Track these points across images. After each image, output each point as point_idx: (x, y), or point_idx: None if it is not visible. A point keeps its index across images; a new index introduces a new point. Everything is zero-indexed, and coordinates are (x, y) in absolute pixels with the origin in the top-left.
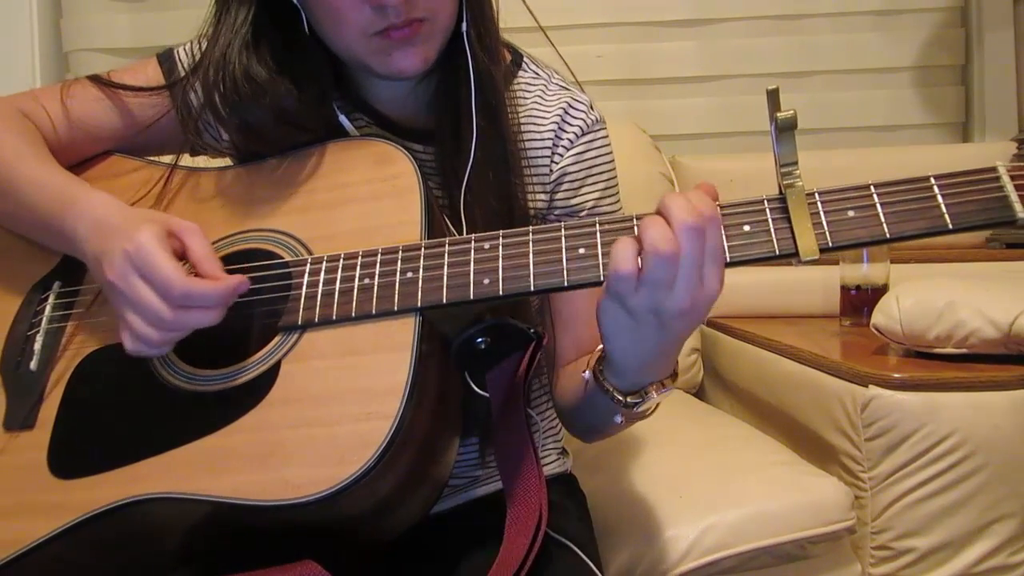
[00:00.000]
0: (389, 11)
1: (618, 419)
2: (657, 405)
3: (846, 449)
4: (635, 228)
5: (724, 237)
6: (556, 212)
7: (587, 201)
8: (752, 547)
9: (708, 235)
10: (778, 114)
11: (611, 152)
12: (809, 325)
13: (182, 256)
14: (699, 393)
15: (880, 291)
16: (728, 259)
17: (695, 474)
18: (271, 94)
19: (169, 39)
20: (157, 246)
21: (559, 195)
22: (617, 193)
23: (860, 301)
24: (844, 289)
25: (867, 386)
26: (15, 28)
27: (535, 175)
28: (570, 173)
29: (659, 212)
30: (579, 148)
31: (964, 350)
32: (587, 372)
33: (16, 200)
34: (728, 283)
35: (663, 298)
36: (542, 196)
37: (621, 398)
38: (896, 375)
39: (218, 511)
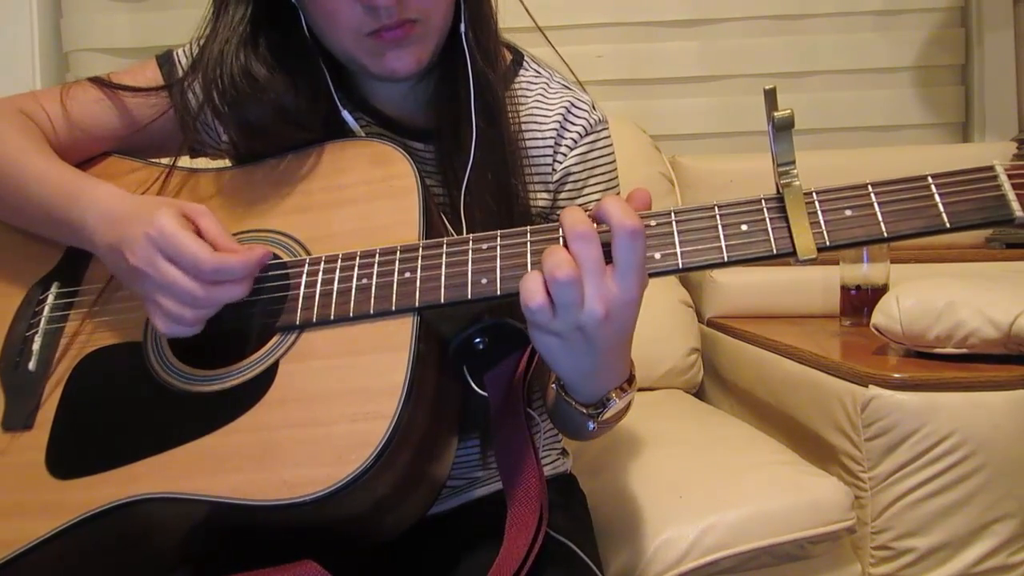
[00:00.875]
0: (381, 12)
1: (591, 426)
2: (627, 408)
3: (846, 449)
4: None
5: (715, 239)
6: (559, 212)
7: (590, 202)
8: (752, 547)
9: (616, 246)
10: (775, 113)
11: (613, 152)
12: (809, 325)
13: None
14: (699, 393)
15: (880, 291)
16: (726, 259)
17: (695, 474)
18: (269, 91)
19: (169, 39)
20: (179, 227)
21: (562, 195)
22: (619, 193)
23: (860, 301)
24: (844, 289)
25: (867, 386)
26: (15, 28)
27: (537, 174)
28: (573, 173)
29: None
30: (582, 148)
31: (964, 350)
32: (553, 386)
33: (22, 195)
34: (728, 283)
35: (578, 315)
36: (544, 196)
37: (584, 410)
38: (896, 375)
39: (216, 511)
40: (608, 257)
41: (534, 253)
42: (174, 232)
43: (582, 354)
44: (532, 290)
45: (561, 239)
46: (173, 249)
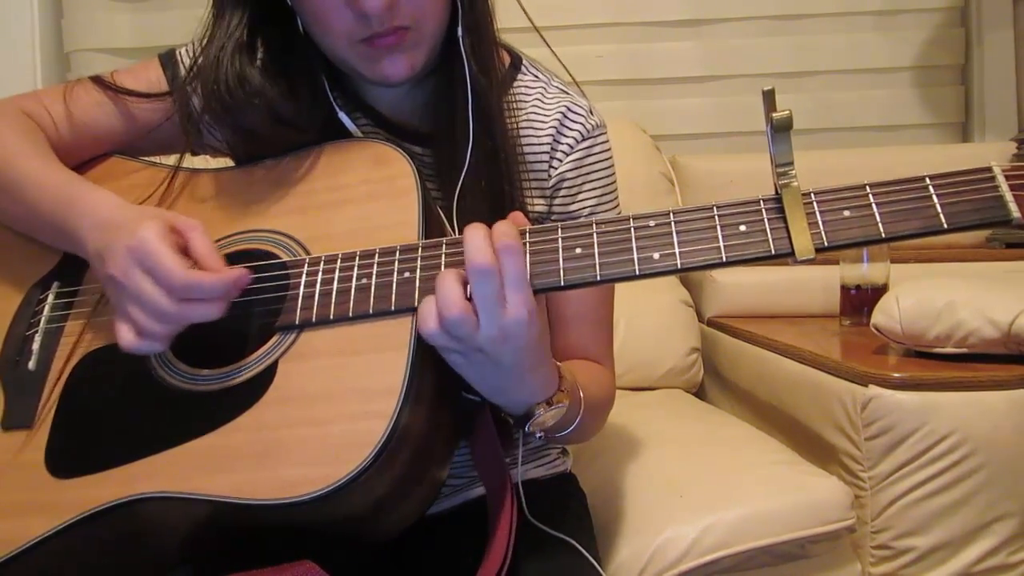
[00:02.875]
0: (372, 19)
1: (539, 435)
2: (580, 418)
3: (846, 448)
4: (631, 229)
5: (713, 240)
6: (554, 217)
7: (584, 207)
8: (752, 546)
9: (504, 263)
10: (774, 114)
11: (611, 157)
12: (809, 325)
13: (184, 252)
14: (699, 392)
15: (880, 291)
16: (724, 259)
17: (695, 473)
18: (264, 97)
19: (170, 39)
20: (158, 240)
21: (557, 200)
22: (615, 199)
23: (860, 301)
24: (844, 289)
25: (867, 386)
26: (16, 28)
27: (534, 179)
28: (568, 179)
29: None
30: (578, 154)
31: (964, 350)
32: None
33: (18, 198)
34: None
35: (475, 338)
36: (540, 201)
37: (512, 420)
38: (896, 375)
39: (215, 510)
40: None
41: (532, 254)
42: (152, 245)
43: (488, 372)
44: (425, 318)
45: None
46: (149, 262)
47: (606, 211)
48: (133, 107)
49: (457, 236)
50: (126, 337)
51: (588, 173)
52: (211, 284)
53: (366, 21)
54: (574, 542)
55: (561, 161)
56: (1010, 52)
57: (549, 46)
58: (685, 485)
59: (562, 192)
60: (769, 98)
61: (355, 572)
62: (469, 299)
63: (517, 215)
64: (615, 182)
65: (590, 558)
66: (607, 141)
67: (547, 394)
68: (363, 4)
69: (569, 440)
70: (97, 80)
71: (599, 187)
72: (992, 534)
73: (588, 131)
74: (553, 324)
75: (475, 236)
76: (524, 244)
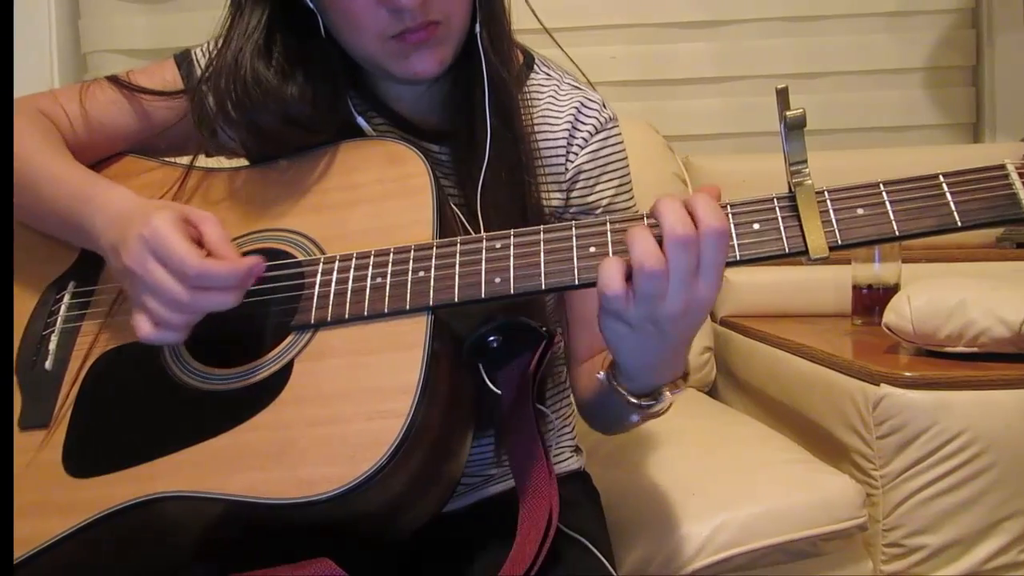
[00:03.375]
0: (405, 14)
1: (634, 418)
2: (670, 405)
3: (858, 447)
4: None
5: (731, 242)
6: (572, 210)
7: (603, 198)
8: (764, 544)
9: (707, 244)
10: (787, 113)
11: (624, 149)
12: (821, 324)
13: (199, 243)
14: (712, 392)
15: (892, 290)
16: (739, 257)
17: (708, 472)
18: (282, 99)
19: (186, 40)
20: (172, 229)
21: (574, 193)
22: (631, 190)
23: (872, 300)
24: (856, 288)
25: (879, 384)
26: (34, 29)
27: (550, 174)
28: (585, 171)
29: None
30: (594, 146)
31: (975, 349)
32: (602, 373)
33: (35, 195)
34: (741, 282)
35: (657, 308)
36: (557, 195)
37: (635, 400)
38: (907, 374)
39: (232, 509)
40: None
41: (547, 253)
42: (166, 234)
43: (649, 346)
44: (611, 276)
45: (576, 243)
46: (163, 251)
47: (624, 201)
48: (148, 106)
49: (472, 235)
50: (143, 327)
51: (605, 164)
52: (225, 272)
53: (399, 16)
54: (587, 542)
55: (577, 154)
56: (1021, 53)
57: (561, 48)
58: (698, 483)
59: (579, 184)
60: (783, 96)
61: (371, 570)
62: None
63: (713, 188)
64: (630, 173)
65: (602, 559)
66: (620, 133)
67: (676, 376)
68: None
69: (632, 427)
70: (113, 79)
71: (616, 178)
72: (1003, 532)
73: (603, 123)
74: (575, 323)
75: (675, 207)
76: (539, 241)
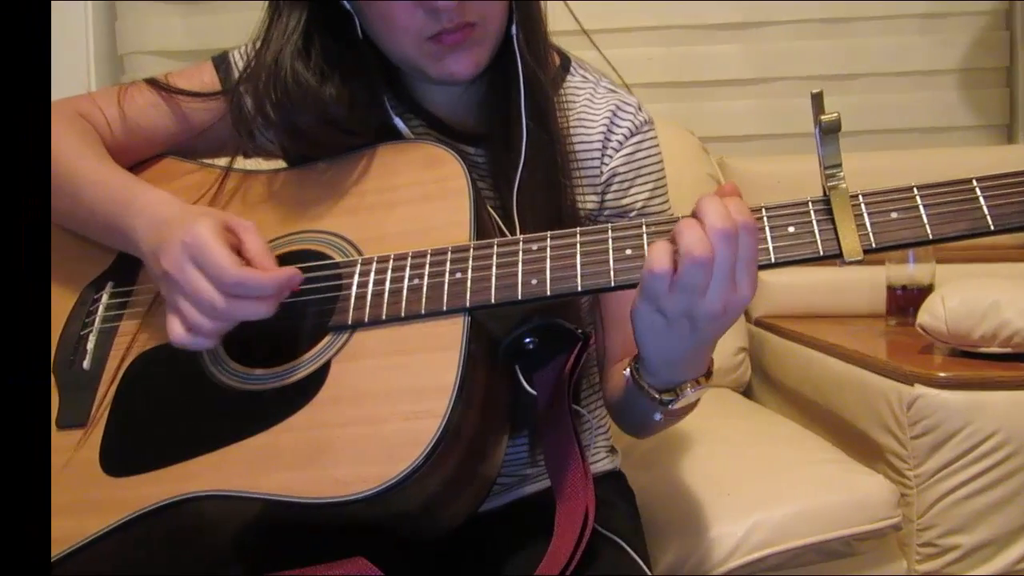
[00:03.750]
0: (442, 16)
1: (657, 416)
2: (696, 402)
3: (892, 447)
4: None
5: (762, 241)
6: (606, 213)
7: (637, 201)
8: (799, 544)
9: (741, 241)
10: (822, 117)
11: (659, 152)
12: (855, 324)
13: (238, 251)
14: (747, 392)
15: (926, 291)
16: (773, 260)
17: (743, 472)
18: (321, 100)
19: (223, 42)
20: (213, 236)
21: (609, 196)
22: (666, 193)
23: (906, 301)
24: (890, 289)
25: (913, 385)
26: (71, 31)
27: (585, 177)
28: (620, 174)
29: (694, 215)
30: (629, 149)
31: (1009, 349)
32: (627, 370)
33: (75, 198)
34: (776, 283)
35: (696, 302)
36: (592, 197)
37: (657, 396)
38: (941, 374)
39: (268, 509)
40: None
41: (583, 255)
42: (206, 241)
43: (679, 341)
44: (660, 257)
45: (612, 245)
46: (202, 257)
47: (658, 204)
48: (186, 108)
49: (508, 237)
50: (176, 331)
51: (639, 168)
52: (262, 282)
53: (436, 17)
54: (622, 542)
55: (612, 157)
56: None
57: (599, 49)
58: (733, 483)
59: (614, 187)
60: (818, 101)
61: (406, 570)
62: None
63: (734, 186)
64: (664, 177)
65: (637, 559)
66: (655, 136)
67: (699, 374)
68: (435, 0)
69: (659, 428)
70: (151, 82)
71: (651, 180)
72: None
73: (638, 126)
74: (609, 324)
75: (717, 202)
76: (576, 243)
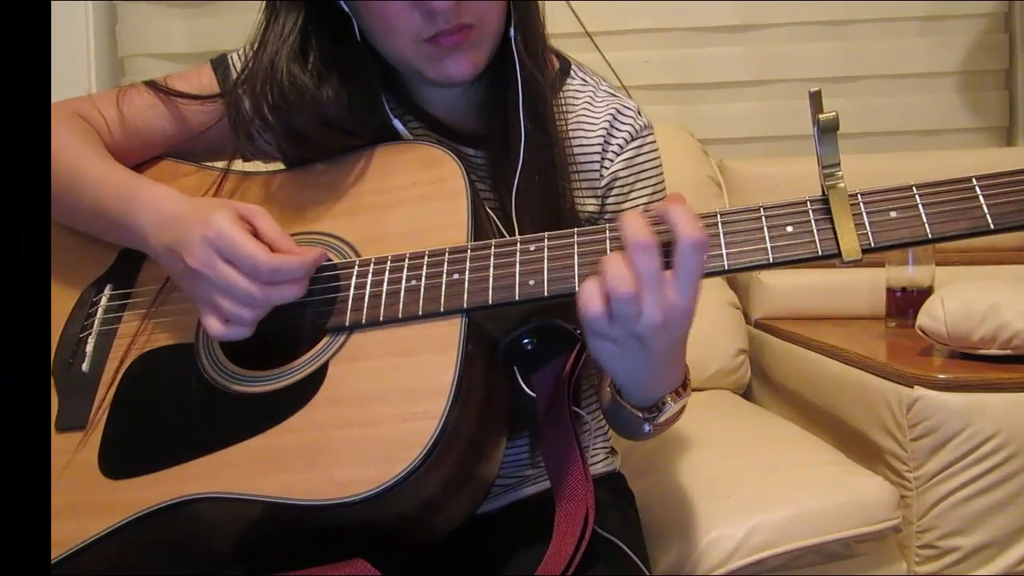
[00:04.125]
0: (439, 17)
1: (646, 428)
2: (682, 411)
3: (892, 449)
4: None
5: (760, 241)
6: (607, 217)
7: (636, 206)
8: (798, 546)
9: (680, 256)
10: (820, 116)
11: (659, 156)
12: (855, 326)
13: (255, 237)
14: (746, 394)
15: (925, 293)
16: (772, 260)
17: (742, 474)
18: (316, 101)
19: (224, 44)
20: (235, 228)
21: (609, 200)
22: (664, 196)
23: (905, 303)
24: (890, 291)
25: (912, 387)
26: (71, 33)
27: (585, 180)
28: (620, 178)
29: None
30: (628, 153)
31: (1008, 351)
32: (608, 388)
33: (78, 195)
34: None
35: (635, 325)
36: (592, 201)
37: (640, 414)
38: (941, 376)
39: (267, 510)
40: (666, 262)
41: (581, 255)
42: (232, 233)
43: (637, 360)
44: (590, 298)
45: (609, 245)
46: (231, 250)
47: None
48: (185, 110)
49: (506, 238)
50: (214, 326)
51: (639, 172)
52: (296, 265)
53: (433, 19)
54: (622, 544)
55: (612, 161)
56: None
57: (600, 51)
58: (732, 485)
59: (614, 191)
60: (816, 99)
61: (405, 571)
62: None
63: (677, 195)
64: (664, 180)
65: (637, 561)
66: (655, 141)
67: (676, 385)
68: (431, 1)
69: (653, 435)
70: (150, 84)
71: (650, 185)
72: None
73: (638, 131)
74: None
75: (635, 217)
76: (573, 244)
